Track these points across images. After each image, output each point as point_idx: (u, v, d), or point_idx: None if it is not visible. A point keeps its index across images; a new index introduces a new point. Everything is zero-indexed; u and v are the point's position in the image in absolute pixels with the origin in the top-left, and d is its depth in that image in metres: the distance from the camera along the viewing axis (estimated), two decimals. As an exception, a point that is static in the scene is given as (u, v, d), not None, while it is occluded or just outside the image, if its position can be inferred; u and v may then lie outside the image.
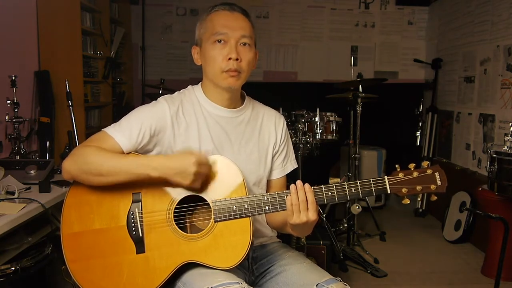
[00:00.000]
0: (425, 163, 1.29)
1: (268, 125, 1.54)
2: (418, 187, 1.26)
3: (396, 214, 4.29)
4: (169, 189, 1.32)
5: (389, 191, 1.27)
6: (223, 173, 1.34)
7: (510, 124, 2.73)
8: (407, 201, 1.28)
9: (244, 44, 1.40)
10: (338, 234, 3.34)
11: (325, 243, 2.56)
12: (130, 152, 1.36)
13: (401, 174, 1.27)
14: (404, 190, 1.26)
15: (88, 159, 1.28)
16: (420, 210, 4.26)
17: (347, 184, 1.27)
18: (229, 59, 1.37)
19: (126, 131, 1.35)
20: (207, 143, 1.42)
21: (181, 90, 1.51)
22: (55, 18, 3.01)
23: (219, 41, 1.39)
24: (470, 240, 3.51)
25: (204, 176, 1.30)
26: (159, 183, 1.31)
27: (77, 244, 1.30)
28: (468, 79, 3.82)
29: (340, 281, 1.32)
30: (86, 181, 1.30)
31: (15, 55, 2.74)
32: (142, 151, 1.38)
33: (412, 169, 1.27)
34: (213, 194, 1.32)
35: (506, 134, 2.69)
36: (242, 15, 1.42)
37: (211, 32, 1.40)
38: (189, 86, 1.52)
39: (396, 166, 1.29)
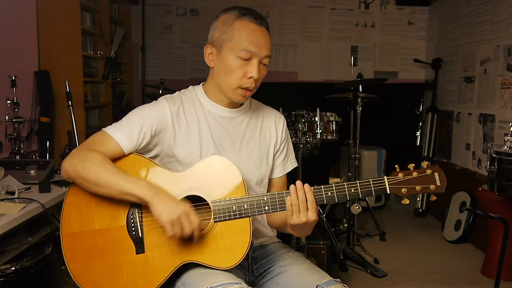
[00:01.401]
0: (424, 164, 1.29)
1: (269, 124, 1.55)
2: (418, 187, 1.27)
3: (396, 214, 4.29)
4: (169, 189, 1.32)
5: (388, 191, 1.27)
6: (223, 173, 1.34)
7: (510, 124, 2.72)
8: (406, 201, 1.28)
9: (264, 63, 1.40)
10: (338, 234, 3.34)
11: (325, 243, 2.56)
12: (131, 153, 1.36)
13: (400, 174, 1.27)
14: (403, 190, 1.27)
15: (88, 166, 1.27)
16: (420, 210, 4.25)
17: (347, 184, 1.27)
18: (250, 77, 1.36)
19: (126, 131, 1.34)
20: (208, 142, 1.42)
21: (182, 90, 1.51)
22: (55, 18, 3.01)
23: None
24: (470, 240, 3.51)
25: (182, 234, 1.24)
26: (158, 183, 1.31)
27: (76, 244, 1.30)
28: (468, 79, 3.82)
29: (340, 282, 1.32)
30: (82, 186, 1.30)
31: (15, 55, 2.74)
32: (142, 150, 1.38)
33: (412, 169, 1.27)
34: (213, 194, 1.32)
35: (506, 134, 2.69)
36: (267, 31, 1.39)
37: (238, 45, 1.34)
38: (190, 86, 1.52)
39: (396, 166, 1.29)
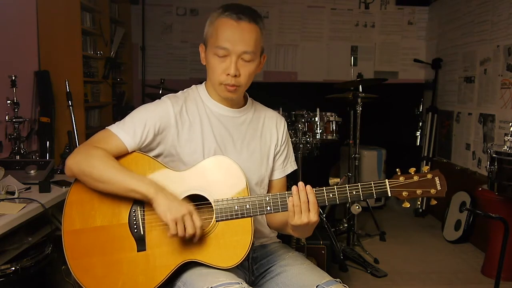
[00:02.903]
0: (425, 168, 1.31)
1: (270, 126, 1.55)
2: (418, 191, 1.28)
3: (396, 214, 4.29)
4: (172, 188, 1.32)
5: (389, 194, 1.28)
6: (226, 173, 1.34)
7: (510, 124, 2.73)
8: (407, 204, 1.29)
9: (245, 60, 1.37)
10: (338, 234, 3.34)
11: (325, 243, 2.56)
12: (134, 151, 1.36)
13: (401, 178, 1.28)
14: (404, 193, 1.28)
15: (91, 162, 1.28)
16: (420, 210, 4.26)
17: (348, 186, 1.28)
18: (228, 74, 1.36)
19: (130, 130, 1.35)
20: (210, 141, 1.43)
21: (185, 90, 1.51)
22: (55, 18, 3.01)
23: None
24: (470, 240, 3.51)
25: (185, 234, 1.24)
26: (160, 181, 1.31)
27: (78, 240, 1.30)
28: (468, 79, 3.82)
29: (340, 282, 1.33)
30: (85, 183, 1.30)
31: (15, 55, 2.74)
32: (146, 149, 1.39)
33: (413, 173, 1.29)
34: (215, 193, 1.32)
35: (506, 134, 2.69)
36: (249, 25, 1.35)
37: (214, 43, 1.36)
38: (193, 86, 1.53)
39: (397, 170, 1.30)
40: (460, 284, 2.84)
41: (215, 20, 1.38)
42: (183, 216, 1.24)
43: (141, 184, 1.26)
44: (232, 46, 1.34)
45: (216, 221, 1.30)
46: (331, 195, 1.27)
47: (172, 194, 1.28)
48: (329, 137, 3.20)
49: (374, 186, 1.27)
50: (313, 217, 1.26)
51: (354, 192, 1.27)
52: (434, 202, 1.29)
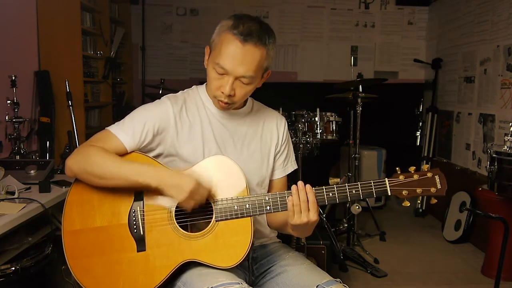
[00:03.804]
0: (425, 167, 1.30)
1: (270, 126, 1.55)
2: (418, 190, 1.27)
3: (396, 214, 4.29)
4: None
5: (389, 193, 1.27)
6: (226, 173, 1.34)
7: (510, 124, 2.73)
8: (407, 203, 1.29)
9: (243, 82, 1.35)
10: (338, 234, 3.34)
11: (325, 243, 2.56)
12: (133, 151, 1.36)
13: (401, 177, 1.28)
14: (404, 192, 1.27)
15: (91, 160, 1.28)
16: (420, 210, 4.25)
17: (348, 186, 1.28)
18: (222, 92, 1.35)
19: (129, 130, 1.36)
20: (210, 142, 1.43)
21: (185, 90, 1.52)
22: (55, 18, 3.01)
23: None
24: (470, 240, 3.51)
25: (198, 201, 1.29)
26: None
27: (78, 241, 1.30)
28: (468, 79, 3.82)
29: (340, 282, 1.33)
30: (87, 181, 1.31)
31: (15, 55, 2.74)
32: (145, 149, 1.39)
33: (413, 172, 1.28)
34: (215, 193, 1.32)
35: (506, 134, 2.69)
36: (254, 48, 1.30)
37: (216, 58, 1.33)
38: (194, 86, 1.53)
39: (397, 168, 1.30)
40: (460, 284, 2.84)
41: (223, 32, 1.32)
42: (190, 195, 1.26)
43: (142, 177, 1.27)
44: (231, 67, 1.31)
45: (216, 221, 1.30)
46: (330, 194, 1.27)
47: (172, 175, 1.28)
48: (329, 137, 3.20)
49: (374, 185, 1.27)
50: (313, 216, 1.26)
51: (354, 191, 1.27)
52: (434, 201, 1.28)
